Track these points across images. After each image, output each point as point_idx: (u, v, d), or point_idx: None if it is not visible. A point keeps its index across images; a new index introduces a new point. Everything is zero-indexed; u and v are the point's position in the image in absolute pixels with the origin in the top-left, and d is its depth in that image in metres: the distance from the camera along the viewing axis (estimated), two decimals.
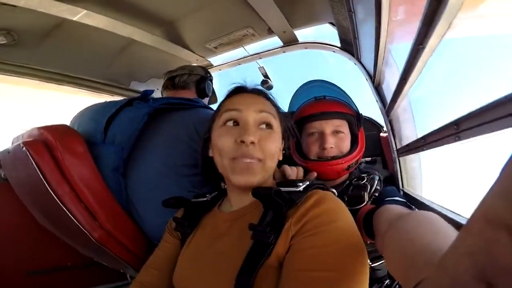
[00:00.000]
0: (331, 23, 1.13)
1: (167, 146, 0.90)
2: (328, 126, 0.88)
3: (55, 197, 0.74)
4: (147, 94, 0.97)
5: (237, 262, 0.45)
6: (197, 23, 1.21)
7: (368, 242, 0.60)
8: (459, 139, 0.50)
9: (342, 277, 0.38)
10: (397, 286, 0.82)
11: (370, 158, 1.30)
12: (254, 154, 0.53)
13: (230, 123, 0.57)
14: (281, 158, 0.63)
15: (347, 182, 0.90)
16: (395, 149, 1.06)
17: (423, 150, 0.75)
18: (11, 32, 1.06)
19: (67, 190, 0.76)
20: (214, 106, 1.23)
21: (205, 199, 0.67)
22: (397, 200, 0.75)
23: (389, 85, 0.95)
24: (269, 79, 1.44)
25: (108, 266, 1.08)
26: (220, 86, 1.27)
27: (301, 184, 0.49)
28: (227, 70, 1.57)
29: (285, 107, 0.98)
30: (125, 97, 1.11)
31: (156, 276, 0.63)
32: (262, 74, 1.43)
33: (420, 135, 0.79)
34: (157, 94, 1.53)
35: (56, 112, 1.49)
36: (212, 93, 1.24)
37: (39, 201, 0.87)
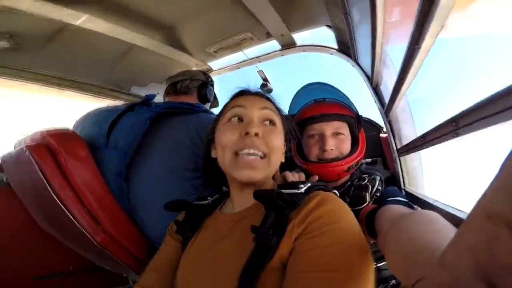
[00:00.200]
0: (328, 25, 1.15)
1: (169, 150, 0.90)
2: (328, 128, 0.89)
3: (58, 201, 0.74)
4: (148, 99, 0.97)
5: (239, 264, 0.45)
6: (197, 28, 1.23)
7: (372, 242, 0.60)
8: (458, 135, 0.51)
9: (346, 277, 0.38)
10: None
11: (370, 159, 1.31)
12: (259, 146, 0.54)
13: (235, 119, 0.58)
14: (283, 160, 0.64)
15: (348, 183, 0.91)
16: (395, 149, 1.07)
17: (423, 148, 0.76)
18: (14, 36, 1.07)
19: (70, 194, 0.76)
20: (215, 110, 1.24)
21: (206, 201, 0.67)
22: (399, 200, 0.75)
23: (387, 86, 0.96)
24: (269, 82, 1.45)
25: (111, 270, 1.08)
26: (220, 90, 1.28)
27: (302, 186, 0.50)
28: (227, 74, 1.58)
29: (285, 110, 0.99)
30: (127, 101, 1.12)
31: (158, 280, 0.62)
32: (262, 77, 1.45)
33: (419, 134, 0.80)
34: (158, 99, 1.55)
35: (58, 116, 1.50)
36: (214, 98, 1.26)
37: (42, 205, 0.88)
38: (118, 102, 1.52)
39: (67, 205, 0.76)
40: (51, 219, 0.90)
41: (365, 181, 0.86)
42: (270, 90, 1.43)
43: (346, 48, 1.16)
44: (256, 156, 0.54)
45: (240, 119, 0.58)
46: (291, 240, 0.44)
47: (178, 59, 1.40)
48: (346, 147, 0.89)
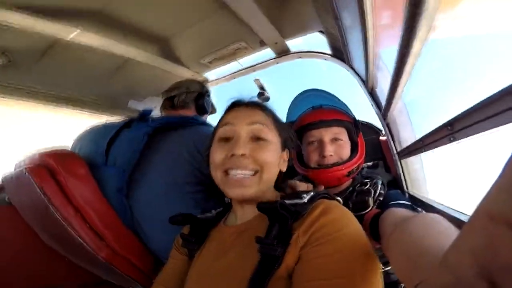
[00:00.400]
0: (320, 31, 1.16)
1: (168, 164, 0.90)
2: (327, 134, 0.89)
3: (61, 220, 0.75)
4: (145, 114, 0.98)
5: (245, 275, 0.45)
6: (190, 39, 1.23)
7: (377, 247, 0.60)
8: (454, 139, 0.50)
9: (353, 283, 0.38)
10: None
11: (371, 163, 1.30)
12: (247, 165, 0.54)
13: (224, 139, 0.58)
14: (284, 170, 0.63)
15: (351, 188, 0.90)
16: (395, 152, 1.06)
17: (422, 152, 0.75)
18: (5, 53, 1.05)
19: (72, 213, 0.77)
20: (214, 117, 1.25)
21: (210, 214, 0.67)
22: (402, 203, 0.75)
23: (383, 89, 0.96)
24: (265, 91, 1.45)
25: (117, 285, 1.07)
26: (217, 100, 1.28)
27: (305, 195, 0.50)
28: (224, 84, 1.59)
29: (283, 117, 0.99)
30: (125, 117, 1.12)
31: None
32: (258, 86, 1.44)
33: (418, 136, 0.79)
34: (155, 112, 1.55)
35: (57, 133, 1.49)
36: (211, 106, 1.25)
37: (44, 223, 0.88)
38: (116, 118, 1.52)
39: (70, 223, 0.77)
40: (54, 236, 0.90)
41: (367, 186, 0.86)
42: (267, 99, 1.43)
43: (339, 53, 1.17)
44: (245, 175, 0.54)
45: (229, 138, 0.58)
46: (297, 250, 0.44)
47: (174, 71, 1.41)
48: (346, 152, 0.89)
